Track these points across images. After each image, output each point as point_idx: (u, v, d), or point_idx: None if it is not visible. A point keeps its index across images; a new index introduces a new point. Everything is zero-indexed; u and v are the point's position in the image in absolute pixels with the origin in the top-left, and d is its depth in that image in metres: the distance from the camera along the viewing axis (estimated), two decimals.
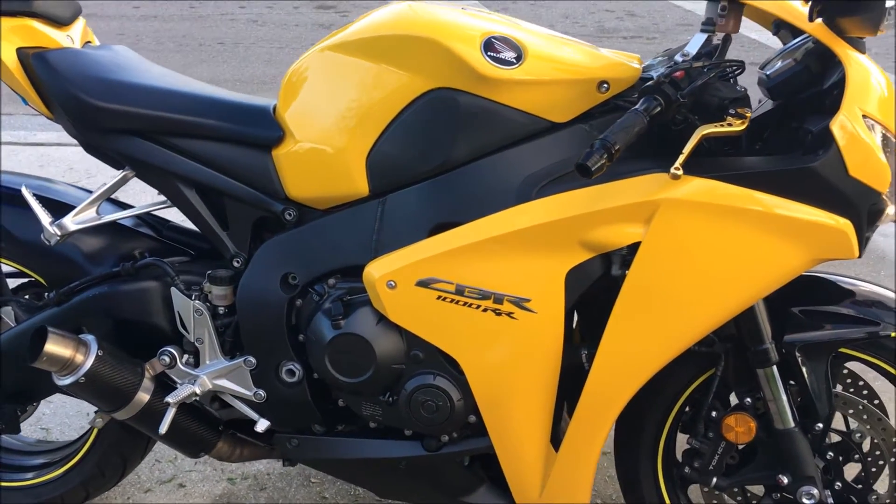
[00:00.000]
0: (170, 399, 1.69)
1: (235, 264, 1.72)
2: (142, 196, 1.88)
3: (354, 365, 1.62)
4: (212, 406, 1.83)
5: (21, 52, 1.71)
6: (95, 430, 1.94)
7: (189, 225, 1.89)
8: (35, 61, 1.70)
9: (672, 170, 1.36)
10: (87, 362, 1.65)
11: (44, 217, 1.71)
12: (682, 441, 1.77)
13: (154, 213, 1.84)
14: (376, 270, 1.57)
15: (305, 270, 1.67)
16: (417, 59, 1.55)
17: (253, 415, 1.75)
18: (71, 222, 1.72)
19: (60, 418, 2.42)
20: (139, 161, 1.72)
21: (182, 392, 1.70)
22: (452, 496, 1.78)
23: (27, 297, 1.94)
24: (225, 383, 1.74)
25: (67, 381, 1.66)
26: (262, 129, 1.68)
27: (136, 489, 2.18)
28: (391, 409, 1.66)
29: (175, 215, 1.89)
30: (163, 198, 1.78)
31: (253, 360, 1.71)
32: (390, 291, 1.56)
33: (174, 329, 1.76)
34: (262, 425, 1.73)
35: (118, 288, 1.76)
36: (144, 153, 1.71)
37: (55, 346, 1.62)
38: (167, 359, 1.74)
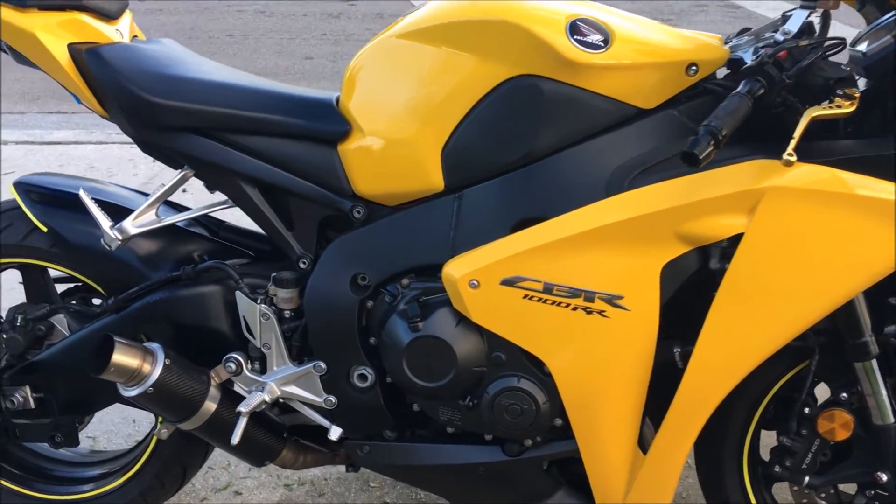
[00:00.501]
0: (242, 408, 1.61)
1: (302, 266, 1.65)
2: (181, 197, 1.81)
3: (434, 369, 1.54)
4: (272, 412, 1.76)
5: (72, 48, 1.63)
6: (154, 440, 1.87)
7: (246, 225, 1.82)
8: (88, 57, 1.62)
9: (785, 156, 1.28)
10: (155, 372, 1.58)
11: (104, 221, 1.64)
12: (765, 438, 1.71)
13: (210, 214, 1.76)
14: (457, 270, 1.49)
15: (377, 270, 1.60)
16: (498, 45, 1.47)
17: (324, 422, 1.67)
18: (131, 226, 1.65)
19: (106, 426, 2.35)
20: (199, 160, 1.64)
21: (253, 400, 1.62)
22: (530, 501, 1.72)
23: (75, 302, 1.87)
24: (294, 390, 1.67)
25: (135, 392, 1.58)
26: (327, 123, 1.61)
27: (191, 498, 2.11)
28: (471, 413, 1.58)
29: (231, 216, 1.82)
30: (222, 198, 1.71)
31: (323, 365, 1.64)
32: (473, 291, 1.48)
33: (237, 335, 1.69)
34: (335, 433, 1.66)
35: (179, 293, 1.69)
36: (205, 151, 1.63)
37: (122, 356, 1.55)
38: (233, 366, 1.67)
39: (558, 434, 1.59)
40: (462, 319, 1.53)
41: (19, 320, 1.77)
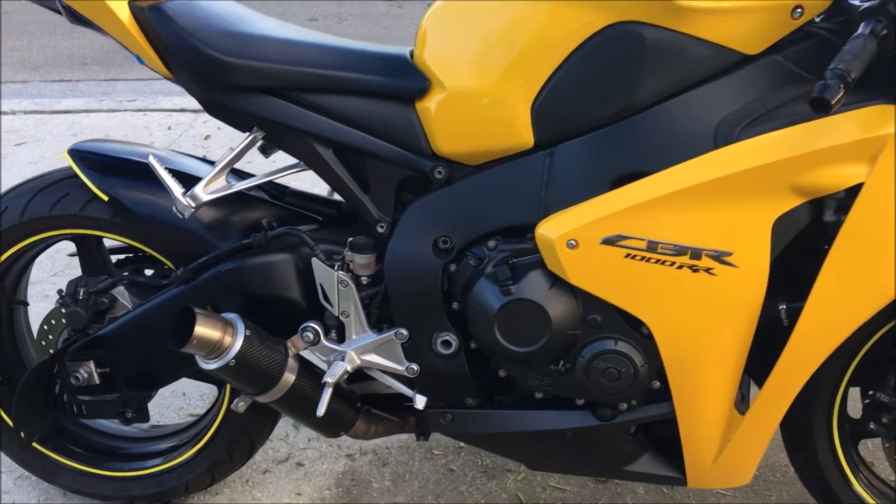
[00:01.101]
0: (328, 378, 1.55)
1: (379, 230, 1.58)
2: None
3: (526, 333, 1.48)
4: (344, 382, 1.70)
5: (133, 6, 1.54)
6: (222, 413, 1.81)
7: (312, 190, 1.75)
8: (153, 15, 1.53)
9: None
10: (237, 344, 1.51)
11: (175, 188, 1.56)
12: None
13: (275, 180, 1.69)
14: (552, 230, 1.43)
15: (461, 233, 1.53)
16: None
17: (406, 391, 1.62)
18: (203, 193, 1.57)
19: (156, 399, 2.28)
20: (271, 121, 1.56)
21: (337, 370, 1.56)
22: (615, 466, 1.67)
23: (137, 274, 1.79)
24: (374, 358, 1.61)
25: (215, 364, 1.52)
26: (405, 79, 1.52)
27: (254, 471, 2.06)
28: (563, 378, 1.53)
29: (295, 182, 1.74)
30: (292, 162, 1.63)
31: (405, 332, 1.58)
32: (571, 252, 1.42)
33: (311, 303, 1.62)
34: (420, 402, 1.60)
35: (250, 261, 1.62)
36: (277, 112, 1.55)
37: (204, 328, 1.48)
38: (311, 335, 1.60)
39: (654, 397, 1.54)
40: (556, 281, 1.47)
41: (81, 293, 1.69)
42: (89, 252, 1.78)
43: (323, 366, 1.63)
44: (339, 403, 1.66)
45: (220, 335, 1.50)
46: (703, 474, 1.63)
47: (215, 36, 1.52)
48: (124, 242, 1.73)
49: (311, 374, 1.61)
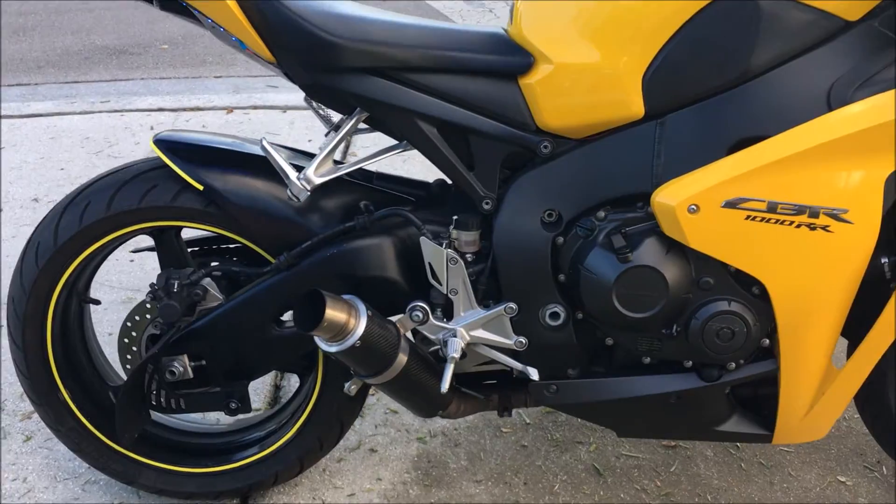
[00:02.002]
0: (452, 354, 1.57)
1: (485, 206, 1.60)
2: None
3: (644, 299, 1.53)
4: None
5: None
6: (313, 400, 1.80)
7: (398, 172, 1.75)
8: None
9: None
10: (360, 325, 1.51)
11: (291, 172, 1.54)
12: None
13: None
14: (672, 196, 1.47)
15: (569, 205, 1.56)
16: None
17: (516, 364, 1.64)
18: (314, 176, 1.56)
19: None
20: (376, 101, 1.56)
21: (456, 347, 1.58)
22: (708, 427, 1.73)
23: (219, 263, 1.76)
24: (482, 334, 1.63)
25: (339, 347, 1.51)
26: (508, 56, 1.55)
27: (328, 459, 2.05)
28: (675, 341, 1.58)
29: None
30: (391, 143, 1.64)
31: (514, 306, 1.61)
32: (692, 216, 1.47)
33: (414, 283, 1.63)
34: (534, 374, 1.63)
35: (357, 244, 1.61)
36: (383, 92, 1.55)
37: (334, 311, 1.48)
38: (420, 314, 1.61)
39: (760, 355, 1.61)
40: (671, 247, 1.51)
41: (175, 286, 1.66)
42: (168, 245, 1.75)
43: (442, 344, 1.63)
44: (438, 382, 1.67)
45: (347, 317, 1.49)
46: (791, 430, 1.70)
47: (324, 18, 1.52)
48: (215, 232, 1.71)
49: (419, 355, 1.62)
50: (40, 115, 4.09)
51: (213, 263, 1.74)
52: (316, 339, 1.54)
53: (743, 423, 1.73)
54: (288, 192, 1.56)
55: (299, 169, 1.59)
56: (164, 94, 4.31)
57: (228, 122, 3.95)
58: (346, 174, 1.69)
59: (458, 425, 2.16)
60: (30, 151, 3.69)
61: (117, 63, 5.10)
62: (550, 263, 1.58)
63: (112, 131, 3.87)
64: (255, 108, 4.13)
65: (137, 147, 3.69)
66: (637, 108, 1.51)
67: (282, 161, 1.54)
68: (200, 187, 1.63)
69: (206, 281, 1.71)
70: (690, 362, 1.62)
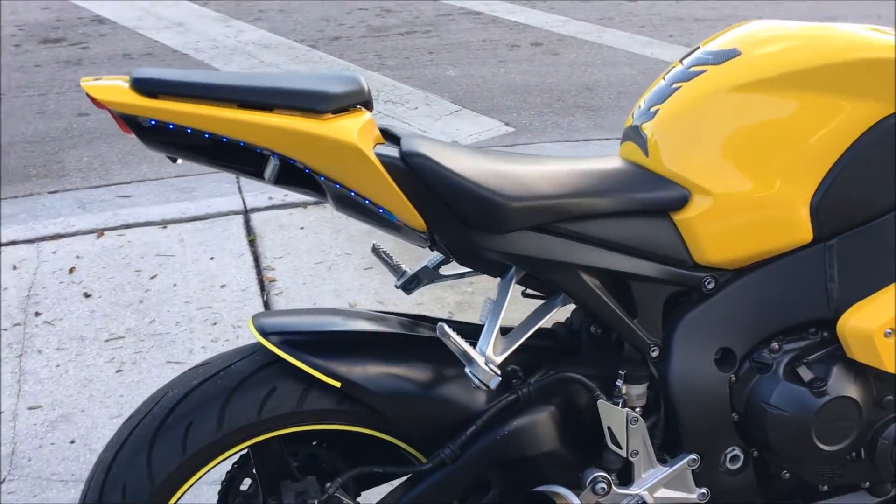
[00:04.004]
0: None
1: (653, 354, 1.47)
2: None
3: (840, 431, 1.47)
4: None
5: (381, 154, 1.28)
6: None
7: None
8: (415, 160, 1.29)
9: None
10: None
11: (477, 356, 1.32)
12: None
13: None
14: (866, 321, 1.43)
15: (741, 340, 1.48)
16: (870, 83, 1.41)
17: None
18: (494, 356, 1.35)
19: None
20: (538, 259, 1.38)
21: None
22: None
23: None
24: (666, 493, 1.48)
25: None
26: (660, 191, 1.44)
27: None
28: (857, 464, 1.53)
29: None
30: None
31: (695, 456, 1.48)
32: (888, 340, 1.42)
33: (580, 449, 1.46)
34: None
35: (525, 420, 1.42)
36: (544, 249, 1.38)
37: None
38: (604, 485, 1.44)
39: None
40: (858, 372, 1.46)
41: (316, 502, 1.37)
42: (274, 455, 1.44)
43: None
44: None
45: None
46: None
47: (486, 177, 1.32)
48: (353, 430, 1.42)
49: None
50: None
51: (349, 471, 1.44)
52: None
53: None
54: (474, 380, 1.32)
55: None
56: (16, 223, 3.72)
57: (105, 247, 3.47)
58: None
59: None
60: None
61: None
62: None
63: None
64: (128, 226, 3.67)
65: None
66: (805, 233, 1.45)
67: (465, 345, 1.31)
68: (337, 384, 1.36)
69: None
70: (869, 483, 1.57)
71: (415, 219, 1.32)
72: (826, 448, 1.46)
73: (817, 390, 1.44)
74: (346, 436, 1.46)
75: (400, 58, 6.30)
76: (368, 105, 1.33)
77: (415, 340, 1.45)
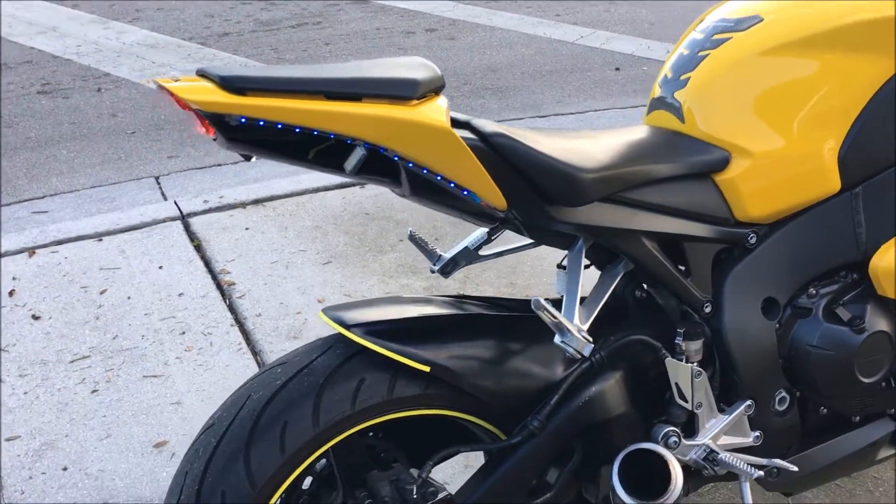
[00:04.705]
0: (752, 473, 1.48)
1: (706, 310, 1.54)
2: None
3: (877, 363, 1.58)
4: None
5: (467, 137, 1.30)
6: None
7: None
8: (498, 140, 1.31)
9: None
10: (678, 477, 1.38)
11: (573, 328, 1.34)
12: None
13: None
14: (891, 260, 1.54)
15: (783, 290, 1.57)
16: (882, 41, 1.52)
17: (759, 461, 1.59)
18: (584, 326, 1.38)
19: None
20: (606, 228, 1.43)
21: (740, 464, 1.50)
22: (874, 457, 1.82)
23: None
24: (727, 440, 1.57)
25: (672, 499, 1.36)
26: (703, 155, 1.52)
27: None
28: (885, 393, 1.65)
29: None
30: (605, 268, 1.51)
31: (750, 402, 1.57)
32: None
33: (653, 406, 1.53)
34: (784, 465, 1.59)
35: (602, 386, 1.47)
36: (611, 218, 1.43)
37: (678, 468, 1.32)
38: (675, 439, 1.51)
39: None
40: (887, 306, 1.58)
41: (414, 491, 1.37)
42: (355, 448, 1.44)
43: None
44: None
45: (675, 468, 1.35)
46: None
47: (563, 153, 1.36)
48: (438, 414, 1.43)
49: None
50: None
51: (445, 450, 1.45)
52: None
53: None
54: (568, 349, 1.36)
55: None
56: None
57: (41, 266, 3.30)
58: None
59: None
60: None
61: None
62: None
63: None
64: (59, 242, 3.49)
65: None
66: (834, 183, 1.56)
67: (562, 318, 1.34)
68: (427, 368, 1.37)
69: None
70: (894, 409, 1.70)
71: (497, 198, 1.33)
72: (866, 380, 1.58)
73: (857, 328, 1.55)
74: (398, 423, 1.47)
75: (297, 50, 6.22)
76: (440, 90, 1.34)
77: (487, 319, 1.47)
